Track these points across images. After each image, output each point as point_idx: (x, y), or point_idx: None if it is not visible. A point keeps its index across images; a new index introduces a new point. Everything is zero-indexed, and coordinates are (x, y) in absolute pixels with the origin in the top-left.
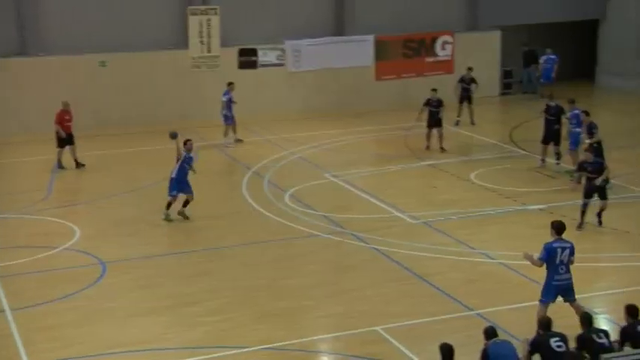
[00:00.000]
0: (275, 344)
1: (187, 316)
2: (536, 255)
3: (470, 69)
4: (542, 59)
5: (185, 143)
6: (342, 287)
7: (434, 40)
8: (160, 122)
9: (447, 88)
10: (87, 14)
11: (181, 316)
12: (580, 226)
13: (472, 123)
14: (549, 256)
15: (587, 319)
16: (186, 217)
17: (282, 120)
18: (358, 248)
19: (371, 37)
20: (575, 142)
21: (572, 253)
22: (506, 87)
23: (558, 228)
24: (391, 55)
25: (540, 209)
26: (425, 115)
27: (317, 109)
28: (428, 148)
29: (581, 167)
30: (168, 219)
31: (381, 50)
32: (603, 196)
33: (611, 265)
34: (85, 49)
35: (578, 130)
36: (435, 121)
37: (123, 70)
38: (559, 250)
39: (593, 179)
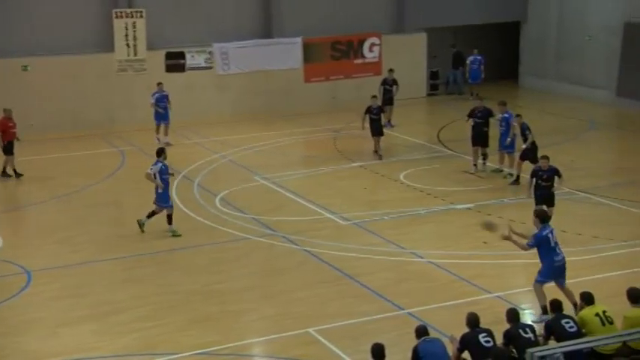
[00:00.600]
0: (208, 349)
1: (118, 324)
2: (525, 240)
3: (391, 71)
4: (468, 60)
5: (160, 153)
6: (275, 290)
7: (361, 42)
8: (86, 127)
9: (375, 89)
10: (9, 17)
11: (112, 324)
12: None
13: (390, 125)
14: (540, 244)
15: (513, 315)
16: (142, 229)
17: (212, 123)
18: (290, 250)
19: (299, 40)
20: (512, 146)
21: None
22: (433, 88)
23: (543, 217)
24: (319, 58)
25: (468, 208)
26: (367, 123)
27: (247, 112)
28: (376, 153)
29: (535, 174)
30: (176, 234)
31: (310, 52)
32: (552, 204)
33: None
34: (8, 53)
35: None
36: (376, 129)
37: (47, 74)
38: (550, 236)
39: (547, 187)
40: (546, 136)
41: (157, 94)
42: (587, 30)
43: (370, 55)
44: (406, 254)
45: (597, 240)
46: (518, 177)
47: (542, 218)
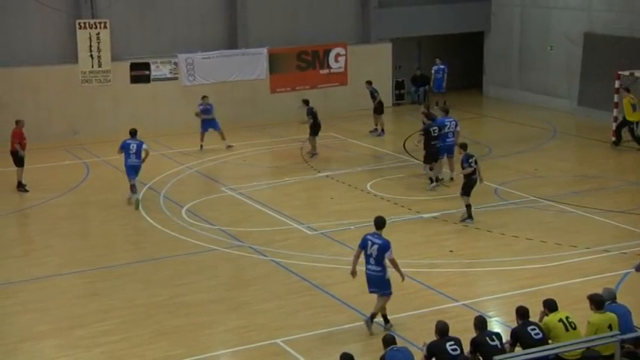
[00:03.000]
0: None
1: (82, 338)
2: None
3: (369, 82)
4: (433, 70)
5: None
6: (242, 301)
7: (327, 52)
8: (49, 139)
9: (341, 99)
10: None
11: (76, 339)
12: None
13: (378, 132)
14: (363, 246)
15: (481, 323)
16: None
17: (177, 134)
18: (257, 261)
19: (264, 50)
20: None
21: (383, 249)
22: (399, 98)
23: (375, 221)
24: (285, 68)
25: (434, 217)
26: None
27: None
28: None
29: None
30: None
31: (275, 63)
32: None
33: (500, 270)
34: None
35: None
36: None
37: (8, 85)
38: (369, 243)
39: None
40: (510, 145)
41: (201, 107)
42: (549, 40)
43: (336, 66)
44: None
45: (560, 247)
46: (430, 179)
47: (374, 223)
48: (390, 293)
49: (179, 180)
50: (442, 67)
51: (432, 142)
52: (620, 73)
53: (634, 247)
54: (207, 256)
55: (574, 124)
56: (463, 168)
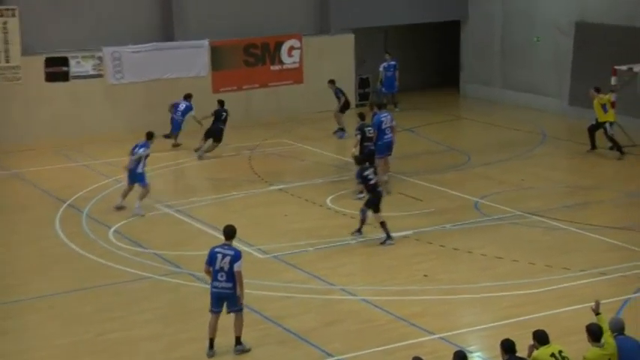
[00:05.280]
0: None
1: None
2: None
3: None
4: (382, 67)
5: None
6: (182, 338)
7: (279, 45)
8: None
9: (296, 100)
10: None
11: None
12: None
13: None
14: (210, 261)
15: (460, 359)
16: None
17: (102, 142)
18: (199, 290)
19: (205, 43)
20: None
21: (234, 261)
22: (363, 98)
23: (224, 231)
24: (230, 64)
25: (405, 236)
26: None
27: (144, 129)
28: None
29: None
30: None
31: (218, 57)
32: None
33: (483, 297)
34: None
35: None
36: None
37: None
38: (219, 256)
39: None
40: (492, 152)
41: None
42: (536, 31)
43: (289, 61)
44: (335, 291)
45: (551, 270)
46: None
47: (224, 233)
48: (242, 308)
49: (105, 196)
50: (392, 63)
51: (365, 144)
52: (616, 67)
53: (635, 269)
54: (139, 286)
55: (565, 127)
56: (359, 183)
